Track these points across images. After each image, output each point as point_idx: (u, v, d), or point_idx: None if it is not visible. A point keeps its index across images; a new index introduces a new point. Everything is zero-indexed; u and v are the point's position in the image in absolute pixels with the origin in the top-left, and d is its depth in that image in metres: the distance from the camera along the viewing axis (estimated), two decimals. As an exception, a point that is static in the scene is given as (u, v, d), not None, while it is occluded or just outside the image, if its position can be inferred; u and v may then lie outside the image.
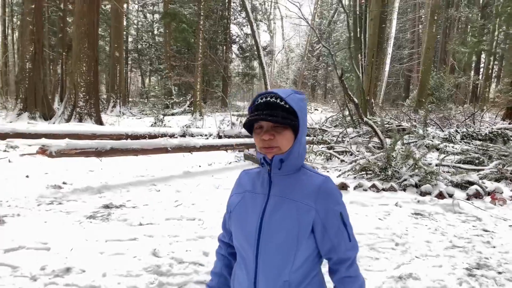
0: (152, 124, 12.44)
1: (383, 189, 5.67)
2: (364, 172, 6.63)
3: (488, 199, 5.35)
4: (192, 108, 19.20)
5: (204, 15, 16.92)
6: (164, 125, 12.06)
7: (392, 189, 5.67)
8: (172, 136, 9.80)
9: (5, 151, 7.41)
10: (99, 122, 12.06)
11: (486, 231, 4.29)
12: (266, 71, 25.57)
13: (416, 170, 6.09)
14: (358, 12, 23.70)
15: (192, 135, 9.88)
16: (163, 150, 6.18)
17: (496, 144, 9.47)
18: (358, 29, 24.91)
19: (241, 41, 31.59)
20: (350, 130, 12.14)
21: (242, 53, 31.18)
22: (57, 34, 23.44)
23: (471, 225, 4.49)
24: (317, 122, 15.50)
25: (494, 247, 3.82)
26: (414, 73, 40.35)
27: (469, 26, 30.25)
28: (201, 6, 16.53)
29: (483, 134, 10.84)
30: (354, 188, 5.75)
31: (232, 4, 29.59)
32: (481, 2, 32.74)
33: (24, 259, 2.94)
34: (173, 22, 18.13)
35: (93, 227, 3.78)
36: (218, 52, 29.81)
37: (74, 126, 9.44)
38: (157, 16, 35.73)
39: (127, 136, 9.22)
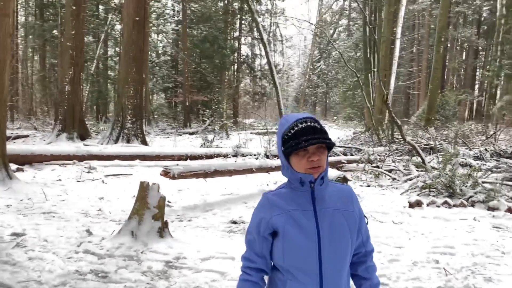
0: (201, 145, 13.04)
1: (454, 205, 6.35)
2: (427, 190, 7.32)
3: (550, 213, 6.04)
4: (215, 127, 19.86)
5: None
6: (217, 146, 12.67)
7: (462, 205, 6.34)
8: (226, 156, 10.44)
9: (88, 172, 7.96)
10: (144, 142, 12.65)
11: None
12: (280, 90, 26.34)
13: (479, 188, 6.80)
14: (368, 34, 24.79)
15: (243, 155, 10.52)
16: (249, 170, 6.83)
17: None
18: (368, 50, 25.99)
19: (250, 61, 32.59)
20: (381, 148, 12.89)
21: (252, 73, 32.15)
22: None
23: (548, 236, 5.16)
24: (341, 140, 16.25)
25: None
26: (415, 90, 41.67)
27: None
28: (228, 30, 17.33)
29: (509, 152, 11.62)
30: (427, 205, 6.42)
31: (242, 25, 30.64)
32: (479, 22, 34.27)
33: (222, 266, 3.53)
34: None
35: (242, 241, 4.37)
36: (228, 72, 30.76)
37: (140, 148, 10.04)
38: (161, 36, 36.39)
39: (187, 157, 9.85)
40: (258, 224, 1.39)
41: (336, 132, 24.70)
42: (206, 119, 24.46)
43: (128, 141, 12.18)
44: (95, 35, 30.58)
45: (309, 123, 1.30)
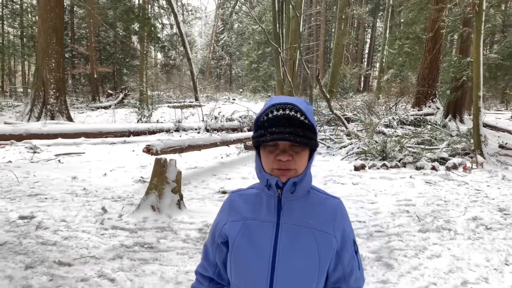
0: (138, 120, 12.67)
1: (391, 167, 7.52)
2: (363, 155, 8.44)
3: (460, 169, 7.55)
4: (130, 101, 19.25)
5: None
6: (157, 120, 12.42)
7: (397, 166, 7.55)
8: (168, 131, 10.49)
9: (34, 152, 7.48)
10: (70, 119, 11.93)
11: (477, 190, 6.34)
12: (193, 62, 26.21)
13: (406, 151, 8.09)
14: (277, 9, 25.69)
15: (185, 130, 10.67)
16: (214, 144, 7.18)
17: (420, 128, 12.25)
18: (278, 25, 26.97)
19: (157, 31, 31.43)
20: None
21: (159, 43, 31.11)
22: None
23: (465, 187, 6.52)
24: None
25: (493, 199, 5.85)
26: (314, 64, 44.51)
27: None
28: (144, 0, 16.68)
29: (409, 120, 13.57)
30: (369, 168, 7.49)
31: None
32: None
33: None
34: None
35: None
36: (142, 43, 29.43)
37: (79, 125, 9.55)
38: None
39: (130, 133, 9.72)
40: (215, 228, 1.19)
41: (248, 104, 25.58)
42: (111, 92, 23.41)
43: (52, 118, 11.41)
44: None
45: (287, 111, 1.01)
